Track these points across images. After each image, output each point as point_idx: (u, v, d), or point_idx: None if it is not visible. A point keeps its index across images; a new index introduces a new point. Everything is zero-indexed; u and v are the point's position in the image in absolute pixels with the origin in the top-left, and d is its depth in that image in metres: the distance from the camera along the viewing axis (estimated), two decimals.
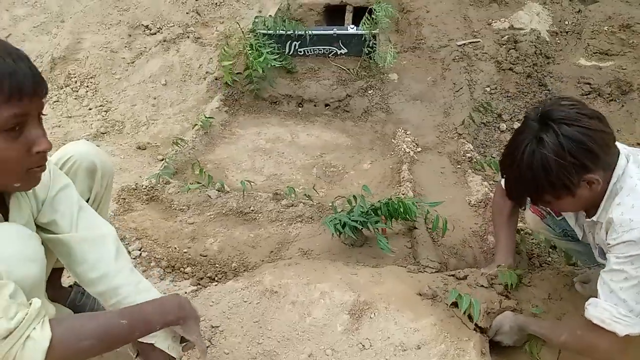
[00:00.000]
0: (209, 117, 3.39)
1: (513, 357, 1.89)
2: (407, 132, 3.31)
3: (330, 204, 2.51)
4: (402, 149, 3.13)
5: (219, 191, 2.72)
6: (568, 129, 1.43)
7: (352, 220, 2.16)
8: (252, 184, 2.68)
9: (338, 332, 1.79)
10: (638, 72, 3.47)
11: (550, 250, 2.38)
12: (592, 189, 1.49)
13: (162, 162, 3.01)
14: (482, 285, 1.91)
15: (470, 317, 1.81)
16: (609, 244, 1.51)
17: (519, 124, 1.63)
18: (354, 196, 2.38)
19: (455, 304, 1.84)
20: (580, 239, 1.80)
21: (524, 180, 1.52)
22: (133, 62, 4.04)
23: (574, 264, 2.23)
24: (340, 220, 2.17)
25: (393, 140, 3.27)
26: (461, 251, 2.35)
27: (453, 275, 2.01)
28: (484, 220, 2.56)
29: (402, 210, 2.21)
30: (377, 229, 2.21)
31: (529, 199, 1.63)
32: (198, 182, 2.71)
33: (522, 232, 2.39)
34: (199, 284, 2.08)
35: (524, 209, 1.64)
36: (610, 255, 1.50)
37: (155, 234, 2.47)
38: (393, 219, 2.32)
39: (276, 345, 1.76)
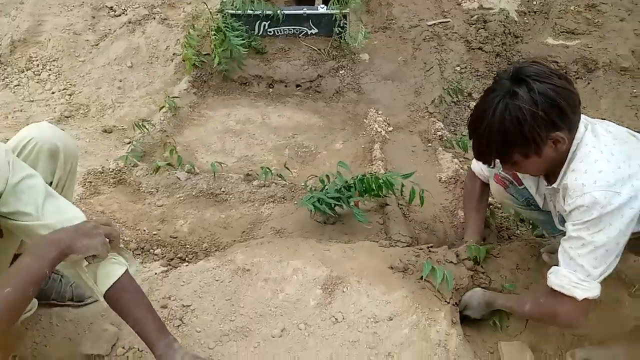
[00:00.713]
0: (174, 97, 3.31)
1: (482, 327, 1.92)
2: (379, 112, 3.30)
3: (303, 184, 2.49)
4: (374, 129, 3.13)
5: (188, 173, 2.67)
6: (540, 85, 1.44)
7: (328, 197, 2.14)
8: (222, 165, 2.64)
9: (311, 307, 1.79)
10: (603, 50, 3.53)
11: (519, 223, 2.42)
12: (557, 149, 1.51)
13: (129, 145, 2.94)
14: (451, 262, 1.94)
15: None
16: (565, 211, 1.54)
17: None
18: (326, 175, 2.37)
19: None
20: (541, 207, 1.83)
21: (496, 136, 1.50)
22: (97, 45, 3.91)
23: (542, 235, 2.27)
24: (317, 198, 2.16)
25: (365, 120, 3.26)
26: (432, 226, 2.37)
27: (422, 249, 2.03)
28: (454, 196, 2.59)
29: (376, 185, 2.21)
30: (352, 202, 2.20)
31: (497, 161, 1.61)
32: (167, 163, 2.66)
33: (491, 206, 2.42)
34: (170, 265, 2.05)
35: (492, 167, 1.64)
36: (568, 223, 1.53)
37: (123, 216, 2.41)
38: (366, 196, 2.33)
39: (249, 322, 1.75)
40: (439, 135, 3.08)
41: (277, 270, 1.90)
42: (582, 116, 1.56)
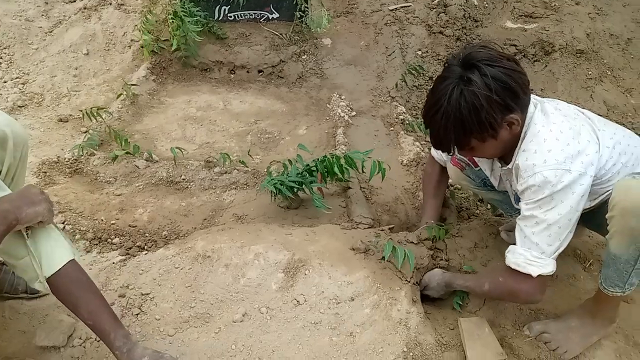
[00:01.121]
0: (131, 85, 3.22)
1: (442, 305, 1.96)
2: (342, 97, 3.30)
3: (266, 170, 2.47)
4: (337, 114, 3.12)
5: (147, 161, 2.61)
6: (492, 69, 1.45)
7: (289, 181, 2.13)
8: (183, 151, 2.59)
9: (273, 291, 1.78)
10: (560, 34, 3.61)
11: (479, 203, 2.47)
12: (512, 131, 1.53)
13: (86, 134, 2.86)
14: (411, 242, 1.95)
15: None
16: (518, 190, 1.58)
17: None
18: (289, 160, 2.35)
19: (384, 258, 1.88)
20: (497, 188, 1.87)
21: (454, 125, 1.50)
22: (51, 32, 3.77)
23: (501, 215, 2.32)
24: (279, 181, 2.14)
25: (328, 105, 3.25)
26: (394, 208, 2.39)
27: (384, 231, 2.04)
28: (415, 179, 2.61)
29: (338, 165, 2.20)
30: (313, 188, 2.19)
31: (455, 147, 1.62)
32: (125, 151, 2.59)
33: (451, 187, 2.46)
34: (128, 254, 2.00)
35: (452, 154, 1.65)
36: (522, 203, 1.56)
37: (80, 206, 2.34)
38: (328, 180, 2.32)
39: (209, 308, 1.73)
40: (401, 119, 3.10)
41: (239, 255, 1.88)
42: (532, 95, 1.58)
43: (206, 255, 1.90)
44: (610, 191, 1.59)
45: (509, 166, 1.64)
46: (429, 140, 1.66)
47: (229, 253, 1.89)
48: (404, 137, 2.94)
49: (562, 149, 1.48)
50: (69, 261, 1.39)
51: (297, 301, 1.75)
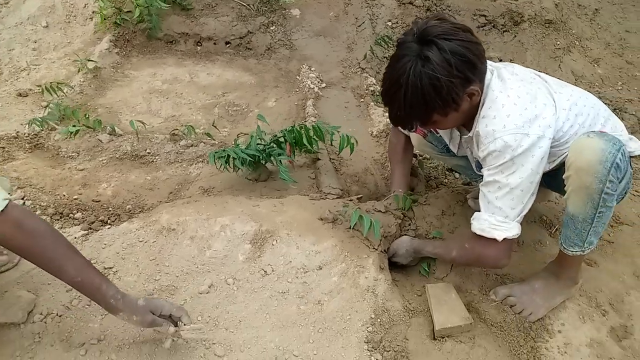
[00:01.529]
0: (90, 60, 3.11)
1: (410, 272, 1.97)
2: (312, 69, 3.25)
3: (233, 142, 2.42)
4: (307, 85, 3.08)
5: (110, 135, 2.54)
6: (449, 43, 1.41)
7: (246, 154, 2.06)
8: (145, 125, 2.52)
9: (239, 262, 1.76)
10: (528, 3, 3.60)
11: (447, 172, 2.47)
12: (472, 101, 1.52)
13: (46, 108, 2.75)
14: (379, 211, 1.95)
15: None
16: (480, 157, 1.58)
17: None
18: (257, 132, 2.31)
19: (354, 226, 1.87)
20: (456, 153, 1.87)
21: (414, 104, 1.47)
22: (7, 3, 3.62)
23: (469, 183, 2.33)
24: (230, 154, 2.06)
25: (297, 77, 3.20)
26: (363, 179, 2.38)
27: (352, 200, 2.03)
28: (385, 149, 2.60)
29: (306, 135, 2.16)
30: (281, 160, 2.15)
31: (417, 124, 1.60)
32: (86, 126, 2.51)
33: (420, 157, 2.45)
34: (90, 228, 1.94)
35: (414, 130, 1.63)
36: (484, 169, 1.56)
37: (40, 182, 2.26)
38: (297, 152, 2.29)
39: (174, 280, 1.70)
40: (371, 91, 3.08)
41: (204, 228, 1.85)
42: (488, 62, 1.57)
43: (171, 228, 1.86)
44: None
45: (470, 134, 1.63)
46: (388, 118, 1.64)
47: (195, 225, 1.86)
48: (373, 108, 2.91)
49: (520, 113, 1.48)
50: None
51: (265, 271, 1.73)
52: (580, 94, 1.67)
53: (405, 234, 1.96)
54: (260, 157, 2.15)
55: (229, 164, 2.06)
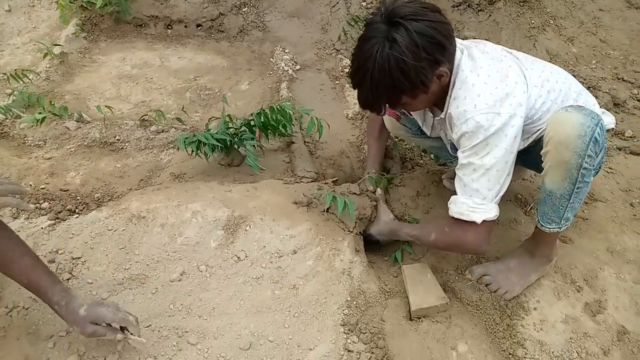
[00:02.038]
0: (56, 44, 3.00)
1: (386, 253, 1.96)
2: (286, 50, 3.19)
3: (205, 127, 2.36)
4: (281, 68, 3.02)
5: (78, 122, 2.45)
6: (417, 24, 1.38)
7: (214, 138, 2.00)
8: (113, 110, 2.44)
9: (212, 248, 1.72)
10: None
11: (423, 153, 2.45)
12: (442, 82, 1.50)
13: (11, 95, 2.65)
14: (354, 193, 1.92)
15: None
16: (454, 139, 1.55)
17: None
18: (228, 115, 2.26)
19: (329, 209, 1.84)
20: (429, 135, 1.84)
21: (382, 87, 1.44)
22: None
23: (444, 164, 2.31)
24: (200, 139, 2.00)
25: (271, 59, 3.14)
26: (339, 162, 2.35)
27: (327, 183, 2.00)
28: (360, 132, 2.57)
29: (275, 118, 2.12)
30: (247, 146, 2.09)
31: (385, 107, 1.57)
32: (52, 113, 2.42)
33: (395, 138, 2.43)
34: (58, 218, 1.88)
35: (383, 113, 1.60)
36: (459, 152, 1.54)
37: (6, 172, 2.18)
38: (271, 136, 2.25)
39: (145, 269, 1.65)
40: (346, 72, 3.03)
41: (175, 214, 1.80)
42: (458, 40, 1.54)
43: (141, 215, 1.81)
44: (542, 129, 1.59)
45: (442, 115, 1.61)
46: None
47: (165, 212, 1.81)
48: (349, 90, 2.87)
49: (490, 92, 1.45)
50: None
51: (238, 257, 1.70)
52: (552, 69, 1.65)
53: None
54: (232, 142, 2.10)
55: (200, 150, 2.01)
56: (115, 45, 3.22)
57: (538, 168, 1.63)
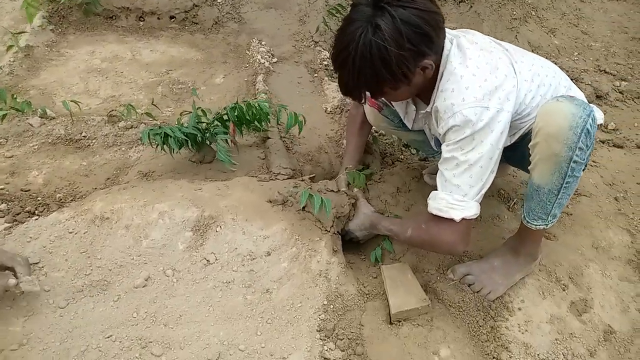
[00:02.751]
0: (19, 32, 2.86)
1: (366, 253, 1.87)
2: (262, 43, 3.08)
3: (177, 122, 2.25)
4: (257, 60, 2.91)
5: (41, 118, 2.33)
6: (404, 11, 1.29)
7: (182, 132, 1.89)
8: (79, 104, 2.32)
9: (179, 251, 1.62)
10: None
11: (403, 148, 2.37)
12: (426, 75, 1.42)
13: None
14: (331, 190, 1.83)
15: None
16: (440, 134, 1.47)
17: None
18: (201, 109, 2.15)
19: (305, 208, 1.75)
20: (410, 128, 1.76)
21: (362, 74, 1.37)
22: None
23: (425, 159, 2.24)
24: (166, 132, 1.88)
25: (247, 52, 3.03)
26: (317, 157, 2.25)
27: (304, 180, 1.91)
28: (339, 126, 2.48)
29: (249, 113, 2.02)
30: (219, 140, 1.99)
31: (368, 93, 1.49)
32: (14, 109, 2.28)
33: (375, 132, 2.35)
34: (15, 220, 1.76)
35: (364, 103, 1.52)
36: (443, 145, 1.46)
37: None
38: (245, 130, 2.15)
39: (107, 274, 1.55)
40: (325, 65, 2.94)
41: (141, 215, 1.69)
42: (446, 30, 1.46)
43: (104, 217, 1.70)
44: (529, 125, 1.52)
45: (427, 109, 1.53)
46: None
47: (130, 213, 1.70)
48: (328, 83, 2.78)
49: (479, 85, 1.38)
50: None
51: (207, 260, 1.60)
52: (542, 63, 1.58)
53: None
54: (203, 137, 2.00)
55: (166, 144, 1.90)
56: (85, 38, 3.08)
57: (523, 165, 1.56)
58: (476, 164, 1.39)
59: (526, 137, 1.53)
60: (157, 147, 1.90)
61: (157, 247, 1.62)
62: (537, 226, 1.55)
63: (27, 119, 2.32)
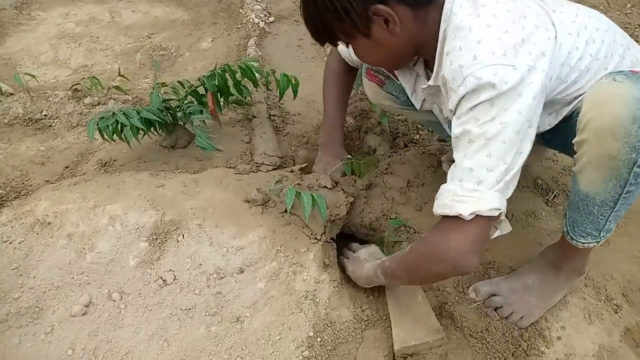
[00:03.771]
0: None
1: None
2: None
3: (149, 97, 1.90)
4: (251, 20, 2.51)
5: None
6: None
7: (141, 118, 1.54)
8: (36, 79, 1.99)
9: (130, 268, 1.30)
10: None
11: (419, 126, 1.98)
12: (391, 31, 1.03)
13: None
14: (324, 186, 1.48)
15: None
16: (451, 111, 1.06)
17: None
18: (180, 82, 1.79)
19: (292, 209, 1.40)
20: (417, 108, 1.36)
21: (312, 13, 1.10)
22: None
23: (445, 140, 1.84)
24: (119, 119, 1.52)
25: (240, 10, 2.63)
26: (313, 139, 1.88)
27: (293, 172, 1.55)
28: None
29: (234, 82, 1.66)
30: (194, 122, 1.65)
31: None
32: None
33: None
34: None
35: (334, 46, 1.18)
36: (453, 119, 1.04)
37: None
38: (224, 105, 1.79)
39: (39, 298, 1.25)
40: None
41: (88, 220, 1.38)
42: None
43: (46, 221, 1.40)
44: (578, 99, 1.12)
45: (430, 82, 1.13)
46: None
47: (76, 217, 1.39)
48: None
49: (498, 37, 0.95)
50: None
51: (164, 280, 1.28)
52: (589, 12, 1.14)
53: (360, 218, 1.49)
54: (174, 118, 1.66)
55: (124, 134, 1.55)
56: None
57: (567, 150, 1.16)
58: (496, 137, 0.96)
59: (572, 117, 1.14)
60: (113, 137, 1.56)
61: (104, 263, 1.31)
62: (585, 244, 1.18)
63: None
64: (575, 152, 1.06)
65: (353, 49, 1.17)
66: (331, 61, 1.63)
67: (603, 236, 1.16)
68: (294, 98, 1.84)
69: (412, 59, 1.24)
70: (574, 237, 1.18)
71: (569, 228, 1.18)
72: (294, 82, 1.77)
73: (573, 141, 1.04)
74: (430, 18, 1.04)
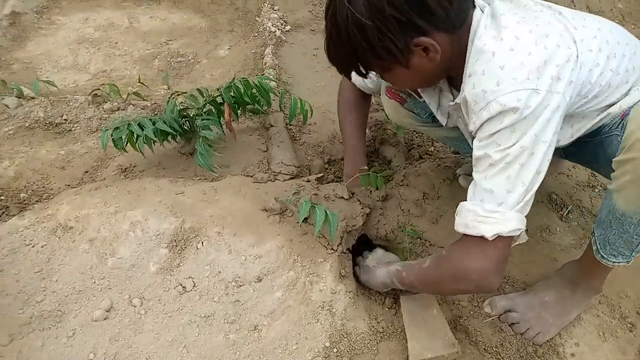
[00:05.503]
0: None
1: None
2: (274, 7, 2.70)
3: (166, 104, 1.93)
4: (267, 29, 2.54)
5: (18, 98, 2.04)
6: None
7: (156, 129, 1.57)
8: (53, 84, 2.02)
9: (151, 274, 1.33)
10: None
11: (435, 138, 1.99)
12: (430, 58, 1.04)
13: None
14: (341, 197, 1.49)
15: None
16: (473, 132, 1.08)
17: None
18: (198, 90, 1.82)
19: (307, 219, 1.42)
20: (444, 125, 1.38)
21: (340, 48, 1.10)
22: None
23: (459, 152, 1.86)
24: (133, 130, 1.55)
25: (257, 19, 2.66)
26: (329, 149, 1.90)
27: (310, 182, 1.57)
28: None
29: (248, 93, 1.69)
30: (205, 136, 1.66)
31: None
32: None
33: None
34: None
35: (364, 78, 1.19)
36: (474, 141, 1.07)
37: None
38: (242, 114, 1.82)
39: (62, 302, 1.27)
40: None
41: (109, 225, 1.40)
42: None
43: (68, 226, 1.42)
44: (600, 114, 1.13)
45: (457, 100, 1.14)
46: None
47: (97, 223, 1.41)
48: None
49: (521, 61, 0.97)
50: None
51: (184, 287, 1.30)
52: (610, 27, 1.14)
53: (376, 230, 1.51)
54: (192, 125, 1.68)
55: (138, 144, 1.58)
56: (78, 4, 2.77)
57: (595, 167, 1.17)
58: (515, 161, 1.00)
59: (600, 132, 1.15)
60: (126, 147, 1.59)
61: (125, 268, 1.33)
62: (616, 263, 1.18)
63: (2, 99, 2.04)
64: (613, 170, 1.07)
65: (384, 78, 1.17)
66: (344, 91, 1.65)
67: (634, 256, 1.17)
68: (304, 123, 1.87)
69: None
70: (605, 256, 1.19)
71: (599, 247, 1.19)
72: (306, 108, 1.78)
73: (614, 159, 1.05)
74: (463, 40, 1.06)
